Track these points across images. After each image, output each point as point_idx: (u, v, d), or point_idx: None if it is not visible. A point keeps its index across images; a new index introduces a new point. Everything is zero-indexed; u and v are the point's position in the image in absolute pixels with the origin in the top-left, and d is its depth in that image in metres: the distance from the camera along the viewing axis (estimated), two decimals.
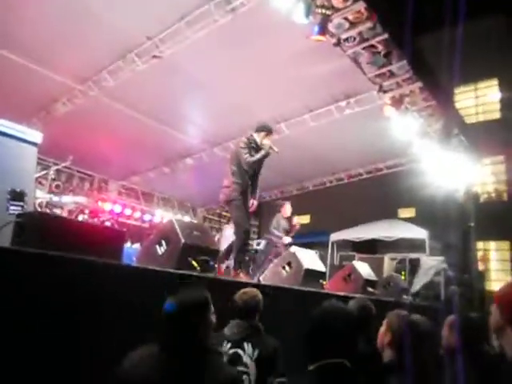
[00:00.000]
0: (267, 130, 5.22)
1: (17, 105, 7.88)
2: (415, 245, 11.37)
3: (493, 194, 14.96)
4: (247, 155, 5.05)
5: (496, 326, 1.74)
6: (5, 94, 7.50)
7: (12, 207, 3.61)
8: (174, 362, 1.87)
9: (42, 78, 7.62)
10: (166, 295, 2.07)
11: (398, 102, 7.70)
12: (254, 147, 5.13)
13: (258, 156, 5.08)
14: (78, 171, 11.42)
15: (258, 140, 5.14)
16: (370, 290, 6.42)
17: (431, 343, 2.92)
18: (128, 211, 12.43)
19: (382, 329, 2.66)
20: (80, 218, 7.91)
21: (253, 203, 5.37)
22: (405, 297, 7.39)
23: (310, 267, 5.46)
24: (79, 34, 6.74)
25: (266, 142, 5.14)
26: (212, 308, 2.06)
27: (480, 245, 13.31)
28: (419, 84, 7.50)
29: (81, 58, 7.47)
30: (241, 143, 5.15)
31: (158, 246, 4.15)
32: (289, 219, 7.96)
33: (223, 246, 8.95)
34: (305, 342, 1.91)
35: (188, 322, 1.93)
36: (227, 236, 9.41)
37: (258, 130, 5.21)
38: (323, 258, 9.28)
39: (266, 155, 5.13)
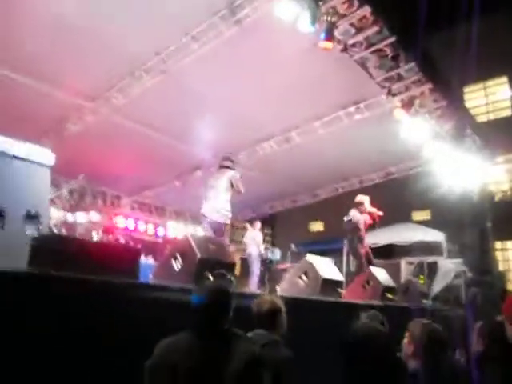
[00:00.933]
0: None
1: (27, 125, 7.94)
2: (432, 248, 11.19)
3: (508, 193, 14.74)
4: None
5: None
6: (15, 115, 7.59)
7: (28, 229, 3.61)
8: (207, 346, 2.04)
9: (51, 98, 7.71)
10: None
11: (407, 105, 7.62)
12: None
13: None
14: (91, 188, 11.50)
15: None
16: (389, 296, 6.32)
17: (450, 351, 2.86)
18: (142, 226, 12.48)
19: (406, 339, 2.61)
20: (94, 235, 7.93)
21: None
22: (424, 301, 7.28)
23: (328, 276, 5.39)
24: (86, 53, 6.80)
25: None
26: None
27: (498, 245, 13.11)
28: (429, 85, 7.42)
29: (89, 77, 7.54)
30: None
31: (174, 262, 4.12)
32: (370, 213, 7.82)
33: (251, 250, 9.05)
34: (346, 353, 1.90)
35: (215, 310, 2.14)
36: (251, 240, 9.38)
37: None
38: (338, 266, 9.19)
39: None
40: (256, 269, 8.89)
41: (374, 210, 7.84)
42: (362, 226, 7.54)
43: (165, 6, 5.90)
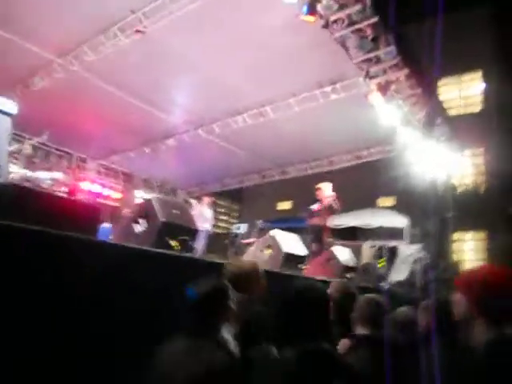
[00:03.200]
0: None
1: None
2: (395, 233, 11.48)
3: (470, 186, 15.17)
4: None
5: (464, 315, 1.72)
6: None
7: None
8: (193, 345, 1.96)
9: (19, 50, 7.33)
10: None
11: (383, 89, 7.64)
12: None
13: None
14: (56, 148, 11.13)
15: None
16: (348, 276, 6.45)
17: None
18: (107, 191, 12.24)
19: None
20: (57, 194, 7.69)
21: None
22: (382, 284, 7.45)
23: (290, 251, 5.43)
24: (59, 5, 6.48)
25: None
26: (231, 296, 2.15)
27: (456, 235, 13.53)
28: (405, 71, 7.45)
29: (61, 31, 7.19)
30: None
31: (135, 225, 4.05)
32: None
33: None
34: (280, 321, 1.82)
35: (207, 309, 2.05)
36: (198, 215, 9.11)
37: None
38: (304, 244, 9.28)
39: None
40: (199, 245, 8.53)
41: (330, 196, 7.81)
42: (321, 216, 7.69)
43: None
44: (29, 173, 6.38)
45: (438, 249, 9.83)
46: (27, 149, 6.61)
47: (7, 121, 3.81)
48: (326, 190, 7.89)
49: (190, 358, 1.92)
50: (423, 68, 8.70)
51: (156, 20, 6.52)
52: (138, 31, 6.75)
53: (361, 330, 2.57)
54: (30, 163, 7.27)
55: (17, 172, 6.01)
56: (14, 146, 6.33)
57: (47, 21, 6.88)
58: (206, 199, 9.86)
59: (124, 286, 2.97)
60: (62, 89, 8.37)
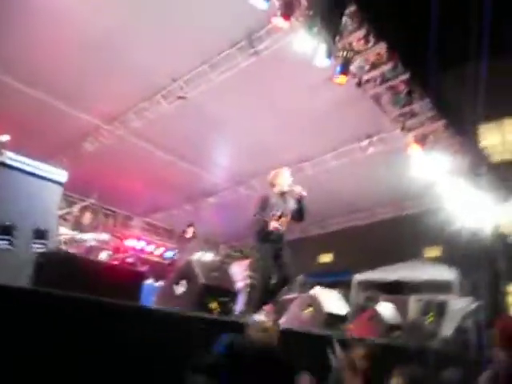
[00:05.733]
0: None
1: (45, 143, 8.15)
2: (442, 286, 10.96)
3: None
4: None
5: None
6: (33, 132, 7.77)
7: (36, 245, 3.66)
8: None
9: (70, 118, 7.88)
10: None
11: (421, 141, 7.62)
12: None
13: None
14: (103, 207, 11.59)
15: None
16: (395, 334, 6.20)
17: None
18: (151, 248, 12.49)
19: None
20: (103, 253, 7.94)
21: None
22: (432, 342, 7.08)
23: (331, 311, 5.32)
24: (106, 74, 6.96)
25: None
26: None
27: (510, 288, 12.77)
28: (443, 122, 7.43)
29: (108, 99, 7.71)
30: None
31: (176, 286, 4.13)
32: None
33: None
34: None
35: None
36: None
37: None
38: (346, 297, 9.03)
39: None
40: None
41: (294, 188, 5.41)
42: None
43: (185, 36, 6.08)
44: (77, 235, 6.67)
45: (491, 303, 9.30)
46: (75, 211, 6.95)
47: (58, 189, 4.04)
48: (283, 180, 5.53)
49: None
50: (461, 116, 8.63)
51: (196, 87, 6.89)
52: (179, 97, 7.14)
53: None
54: (78, 224, 7.57)
55: (66, 234, 6.30)
56: (65, 210, 6.66)
57: (95, 89, 7.37)
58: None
59: (163, 352, 3.00)
60: (109, 152, 8.84)
